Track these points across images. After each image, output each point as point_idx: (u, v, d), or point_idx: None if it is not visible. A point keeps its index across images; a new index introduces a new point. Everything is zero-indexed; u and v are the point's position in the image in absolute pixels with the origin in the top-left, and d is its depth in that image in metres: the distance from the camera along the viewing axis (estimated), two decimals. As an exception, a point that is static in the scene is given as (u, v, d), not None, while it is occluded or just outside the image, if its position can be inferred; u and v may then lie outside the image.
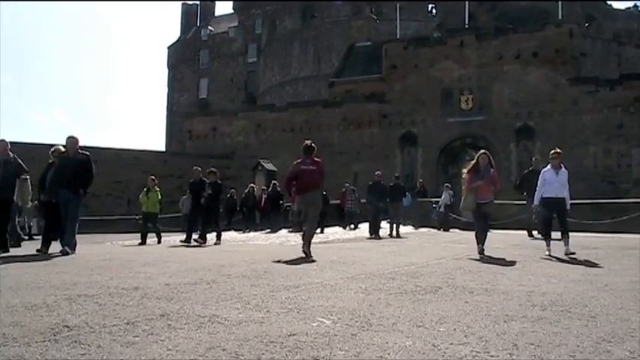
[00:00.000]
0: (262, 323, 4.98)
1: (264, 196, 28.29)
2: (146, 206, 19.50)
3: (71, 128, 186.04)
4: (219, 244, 16.79)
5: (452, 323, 5.06)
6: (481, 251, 11.36)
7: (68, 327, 4.74)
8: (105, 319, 5.05)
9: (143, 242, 18.22)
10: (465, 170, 12.38)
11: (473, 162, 12.18)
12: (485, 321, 5.16)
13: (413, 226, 27.57)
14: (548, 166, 12.19)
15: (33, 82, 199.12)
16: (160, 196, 19.78)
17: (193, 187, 18.29)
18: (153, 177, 19.93)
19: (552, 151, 12.33)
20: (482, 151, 12.42)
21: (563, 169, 12.06)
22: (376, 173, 22.32)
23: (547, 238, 12.04)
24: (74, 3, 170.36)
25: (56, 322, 4.89)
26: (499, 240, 11.58)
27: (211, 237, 17.57)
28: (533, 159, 18.37)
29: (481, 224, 11.96)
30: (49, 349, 4.07)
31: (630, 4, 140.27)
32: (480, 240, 11.64)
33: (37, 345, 4.16)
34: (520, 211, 25.68)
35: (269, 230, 25.60)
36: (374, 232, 20.75)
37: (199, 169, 18.59)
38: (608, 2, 64.26)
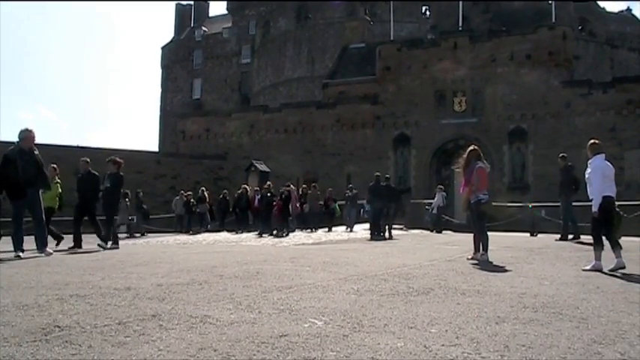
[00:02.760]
0: (254, 324, 4.98)
1: (256, 197, 28.19)
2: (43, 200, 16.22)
3: (60, 127, 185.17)
4: (101, 249, 13.74)
5: (443, 324, 5.07)
6: (482, 258, 10.65)
7: (59, 327, 4.73)
8: (96, 320, 5.04)
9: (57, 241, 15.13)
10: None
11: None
12: (477, 322, 5.17)
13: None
14: None
15: (19, 79, 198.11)
16: (60, 189, 15.83)
17: (79, 181, 14.92)
18: (54, 166, 16.10)
19: None
20: (470, 147, 11.72)
21: (592, 160, 10.18)
22: (376, 174, 22.35)
23: (595, 246, 9.82)
24: (67, 2, 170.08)
25: (47, 322, 4.88)
26: (492, 242, 11.54)
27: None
28: (560, 156, 17.92)
29: (475, 226, 11.51)
30: (40, 349, 4.06)
31: (623, 6, 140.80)
32: (476, 245, 11.19)
33: (28, 345, 4.15)
34: (518, 212, 25.73)
35: (262, 231, 25.42)
36: (376, 233, 20.75)
37: (87, 160, 15.08)
38: (602, 5, 64.53)
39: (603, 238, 9.88)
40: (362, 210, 27.87)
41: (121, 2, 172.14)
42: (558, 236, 16.74)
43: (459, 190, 11.59)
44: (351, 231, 25.54)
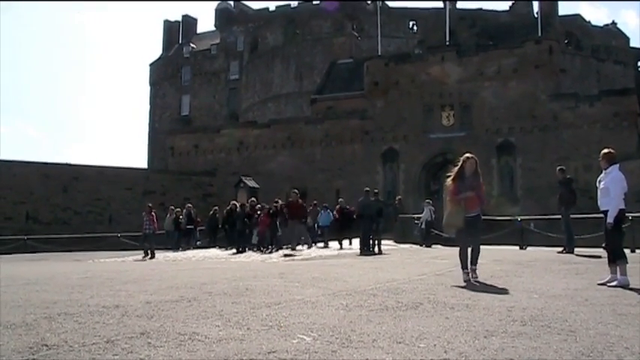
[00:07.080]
0: (242, 341, 4.97)
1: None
2: None
3: (41, 142, 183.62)
4: None
5: (432, 339, 5.07)
6: (468, 278, 9.58)
7: (47, 346, 4.71)
8: (84, 338, 5.02)
9: None
10: (448, 178, 10.30)
11: (456, 168, 10.03)
12: (466, 336, 5.17)
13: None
14: None
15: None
16: None
17: None
18: None
19: None
20: (467, 154, 10.18)
21: (609, 171, 9.57)
22: (365, 189, 22.31)
23: (617, 260, 9.26)
24: (52, 15, 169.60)
25: (35, 341, 4.86)
26: (481, 255, 11.48)
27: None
28: (558, 169, 17.84)
29: (468, 242, 10.07)
30: (27, 368, 4.04)
31: (608, 19, 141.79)
32: (464, 263, 9.83)
33: (15, 365, 4.13)
34: (509, 224, 25.63)
35: (242, 248, 24.44)
36: (365, 248, 20.66)
37: None
38: (587, 19, 65.06)
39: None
40: (316, 225, 26.88)
41: (109, 19, 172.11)
42: (557, 249, 16.58)
43: (460, 201, 9.88)
44: (309, 248, 23.56)
